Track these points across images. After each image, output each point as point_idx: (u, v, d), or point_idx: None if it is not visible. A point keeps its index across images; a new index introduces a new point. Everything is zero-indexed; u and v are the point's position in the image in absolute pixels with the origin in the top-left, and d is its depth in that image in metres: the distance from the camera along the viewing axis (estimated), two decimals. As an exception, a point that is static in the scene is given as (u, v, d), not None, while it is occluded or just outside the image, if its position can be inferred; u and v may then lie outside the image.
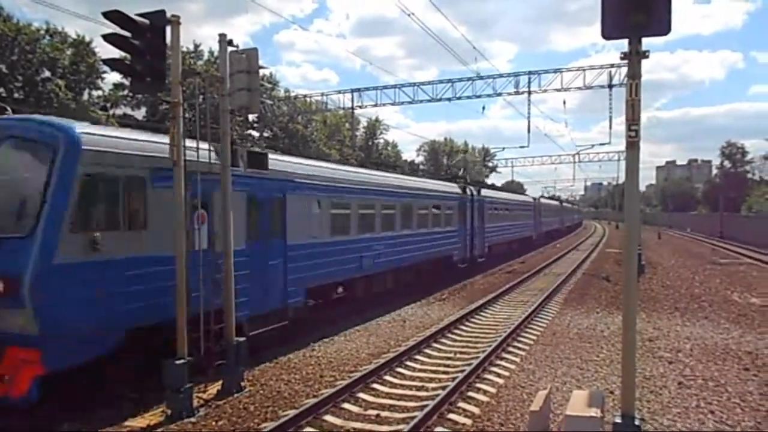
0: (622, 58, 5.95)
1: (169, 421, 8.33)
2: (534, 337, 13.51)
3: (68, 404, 8.51)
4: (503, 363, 11.26)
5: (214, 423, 8.36)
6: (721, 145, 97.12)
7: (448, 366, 11.23)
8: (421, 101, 36.40)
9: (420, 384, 10.13)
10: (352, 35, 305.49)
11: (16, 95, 35.05)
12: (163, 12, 8.63)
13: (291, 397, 9.44)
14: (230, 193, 9.86)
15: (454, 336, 13.86)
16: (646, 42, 5.80)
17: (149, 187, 9.13)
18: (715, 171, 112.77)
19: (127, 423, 8.27)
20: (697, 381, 10.15)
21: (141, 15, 8.57)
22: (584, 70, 32.87)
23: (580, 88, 32.97)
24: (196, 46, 49.24)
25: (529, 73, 34.14)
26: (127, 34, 8.50)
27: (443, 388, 9.39)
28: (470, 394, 9.41)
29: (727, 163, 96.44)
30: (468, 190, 27.29)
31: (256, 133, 50.82)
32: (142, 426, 8.18)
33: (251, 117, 46.62)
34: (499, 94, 34.71)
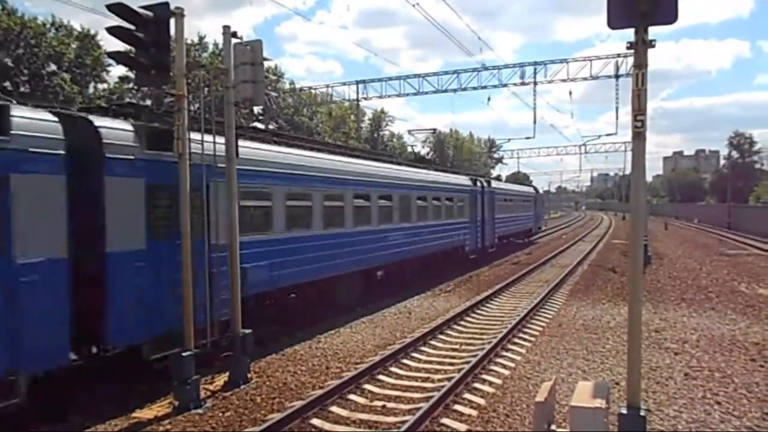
0: (628, 48, 5.87)
1: (176, 413, 8.39)
2: (540, 329, 13.50)
3: (76, 396, 8.58)
4: (509, 354, 11.27)
5: (221, 414, 8.42)
6: (728, 135, 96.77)
7: (453, 357, 11.24)
8: (426, 93, 36.39)
9: (426, 375, 10.15)
10: (355, 26, 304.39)
11: (22, 89, 35.16)
12: (166, 4, 8.61)
13: (297, 388, 9.49)
14: (236, 185, 9.88)
15: (459, 327, 13.87)
16: (653, 31, 5.75)
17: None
18: (722, 161, 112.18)
19: (134, 414, 8.35)
20: (704, 372, 10.13)
21: (145, 7, 8.55)
22: (590, 60, 32.77)
23: (586, 79, 32.95)
24: (201, 39, 49.20)
25: (535, 63, 34.11)
26: (131, 26, 8.50)
27: (449, 379, 9.42)
28: (476, 385, 9.42)
29: (734, 154, 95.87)
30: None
31: (261, 126, 50.79)
32: (149, 417, 8.24)
33: (256, 109, 46.64)
34: (505, 85, 34.67)
